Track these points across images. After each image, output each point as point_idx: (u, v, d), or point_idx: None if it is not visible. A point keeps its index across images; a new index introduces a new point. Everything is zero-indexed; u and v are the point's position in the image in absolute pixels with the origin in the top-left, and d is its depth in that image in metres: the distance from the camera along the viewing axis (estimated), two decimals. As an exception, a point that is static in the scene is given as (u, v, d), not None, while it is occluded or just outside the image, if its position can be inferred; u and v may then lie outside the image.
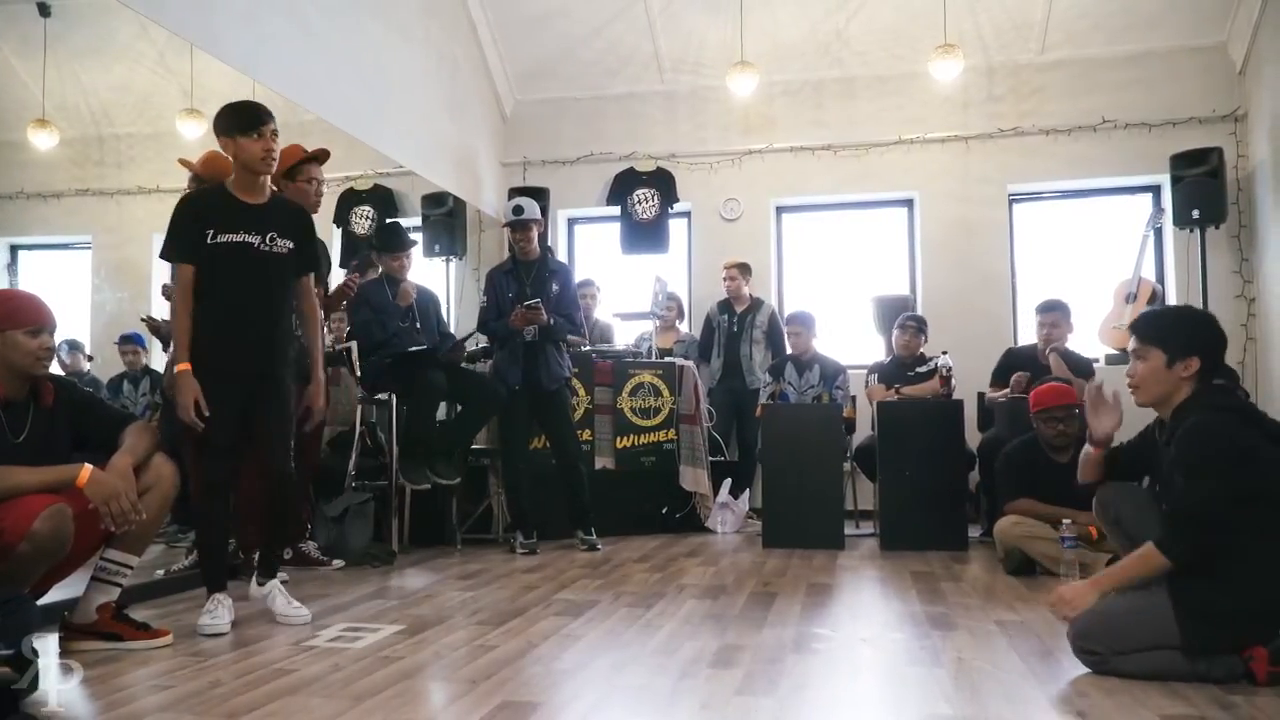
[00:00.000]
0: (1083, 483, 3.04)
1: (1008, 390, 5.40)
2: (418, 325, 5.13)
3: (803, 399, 5.95)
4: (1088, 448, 2.97)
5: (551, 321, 5.09)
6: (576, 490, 5.23)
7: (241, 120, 3.18)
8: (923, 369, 5.83)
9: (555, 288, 5.24)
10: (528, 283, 5.19)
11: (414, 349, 4.96)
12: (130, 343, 5.27)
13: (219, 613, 3.10)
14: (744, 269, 6.86)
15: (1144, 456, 2.84)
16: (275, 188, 3.80)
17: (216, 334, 3.15)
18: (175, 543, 4.75)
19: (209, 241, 3.13)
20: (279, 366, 3.27)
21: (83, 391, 3.07)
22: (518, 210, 5.20)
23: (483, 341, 5.69)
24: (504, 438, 5.30)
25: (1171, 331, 2.61)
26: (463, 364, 5.66)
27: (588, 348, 6.10)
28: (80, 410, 2.91)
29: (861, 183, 7.44)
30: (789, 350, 6.29)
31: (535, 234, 5.24)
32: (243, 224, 3.16)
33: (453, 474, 5.01)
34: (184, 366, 3.08)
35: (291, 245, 3.26)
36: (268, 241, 3.20)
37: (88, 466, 2.68)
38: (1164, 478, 2.63)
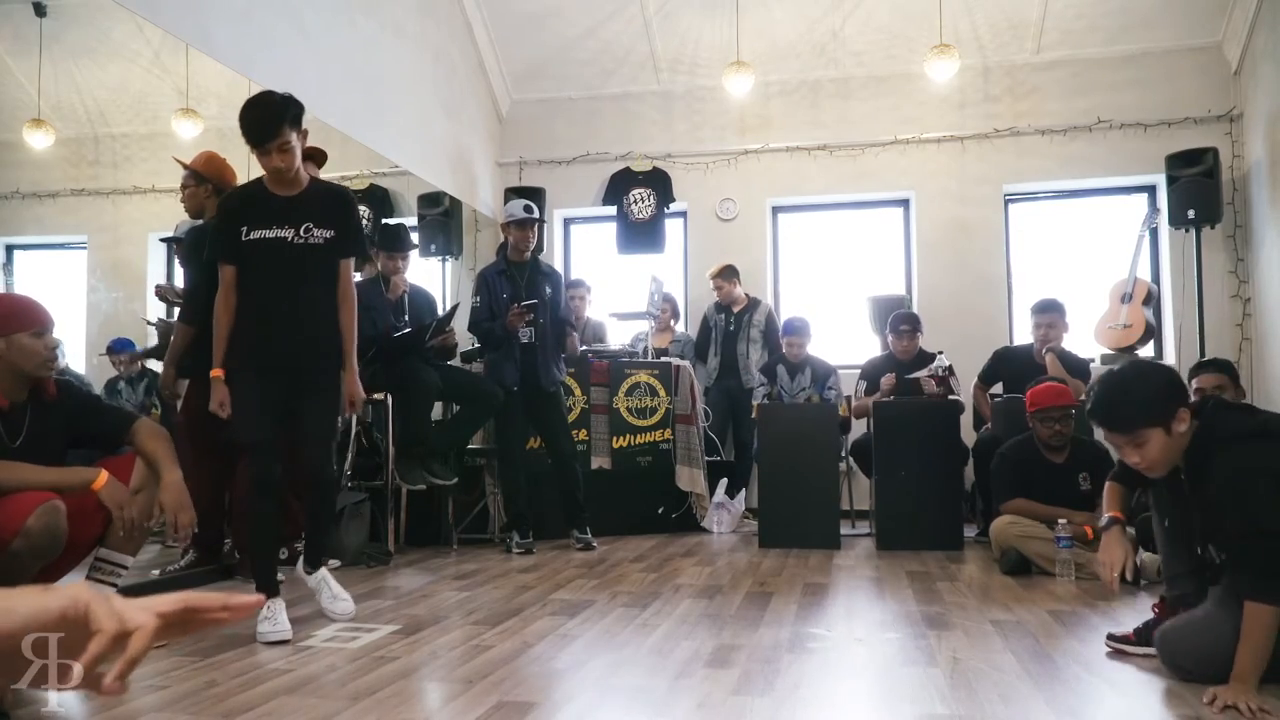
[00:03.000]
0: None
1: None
2: (405, 318, 5.11)
3: (793, 401, 5.94)
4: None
5: (543, 321, 5.12)
6: (571, 490, 5.24)
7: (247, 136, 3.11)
8: (922, 372, 5.71)
9: (549, 290, 5.24)
10: (522, 283, 5.19)
11: (396, 334, 4.93)
12: (116, 351, 5.25)
13: (279, 619, 3.00)
14: (727, 273, 6.83)
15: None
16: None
17: (252, 333, 3.13)
18: (171, 543, 4.75)
19: (244, 238, 3.11)
20: (320, 363, 3.22)
21: (82, 392, 3.07)
22: (529, 208, 5.23)
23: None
24: (501, 438, 5.29)
25: (1152, 408, 2.43)
26: (460, 364, 5.66)
27: (584, 348, 6.09)
28: (80, 411, 2.90)
29: (857, 183, 7.45)
30: (784, 352, 6.27)
31: (536, 235, 5.26)
32: (276, 218, 3.12)
33: (449, 474, 5.01)
34: (216, 373, 3.10)
35: (331, 234, 3.19)
36: (302, 234, 3.14)
37: (105, 472, 2.68)
38: (1204, 518, 2.46)
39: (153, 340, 5.14)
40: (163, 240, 4.92)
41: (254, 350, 3.13)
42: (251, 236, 3.11)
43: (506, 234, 5.29)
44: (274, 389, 3.13)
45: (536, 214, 5.24)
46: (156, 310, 5.00)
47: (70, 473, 2.66)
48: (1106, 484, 2.88)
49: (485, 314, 5.16)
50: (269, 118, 3.04)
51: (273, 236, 3.12)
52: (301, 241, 3.14)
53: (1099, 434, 2.72)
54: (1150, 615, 2.73)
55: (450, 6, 7.20)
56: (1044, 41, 7.09)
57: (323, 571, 3.32)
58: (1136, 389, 2.48)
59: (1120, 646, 2.73)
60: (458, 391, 5.23)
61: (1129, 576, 2.73)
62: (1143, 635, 2.69)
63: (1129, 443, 2.47)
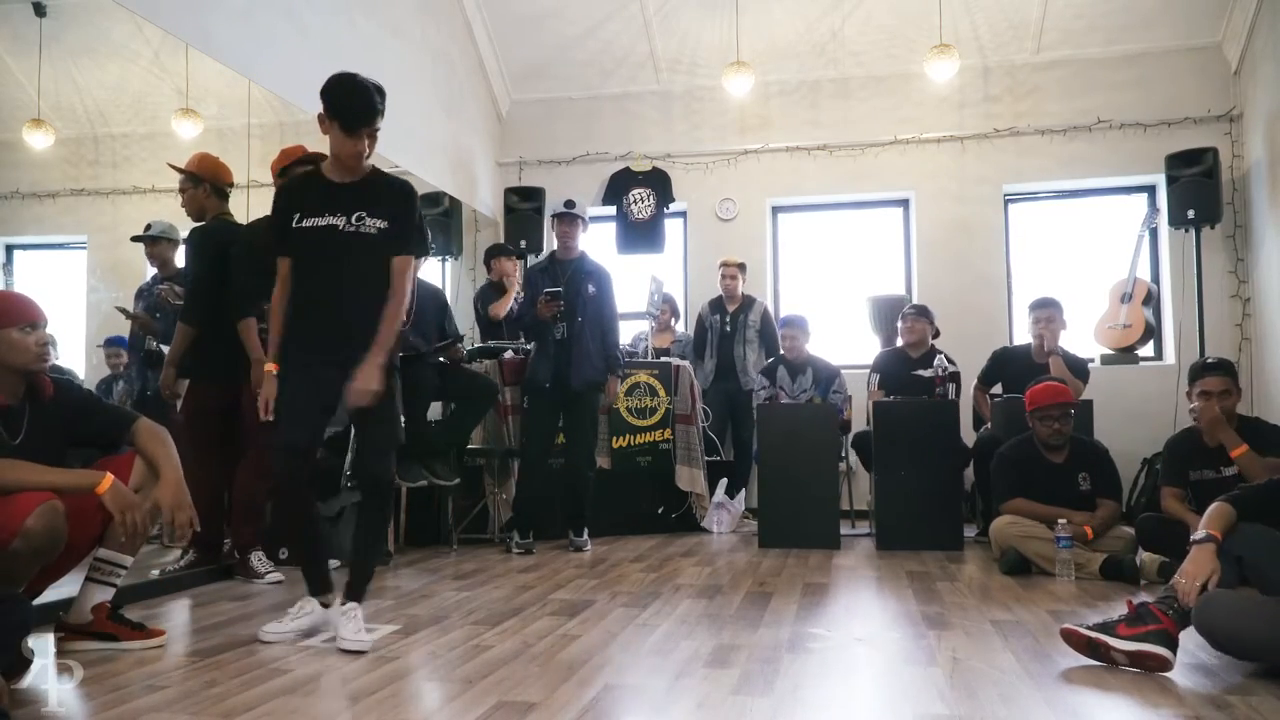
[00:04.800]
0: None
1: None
2: (408, 324, 5.10)
3: (795, 402, 5.92)
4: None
5: (581, 319, 5.13)
6: (575, 494, 5.23)
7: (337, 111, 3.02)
8: (926, 371, 5.62)
9: (591, 289, 5.22)
10: (562, 280, 5.20)
11: (400, 355, 4.90)
12: (113, 346, 5.26)
13: (302, 617, 2.99)
14: (743, 268, 6.86)
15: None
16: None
17: (300, 324, 3.02)
18: (168, 543, 4.74)
19: (294, 226, 3.03)
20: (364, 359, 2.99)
21: (82, 391, 3.05)
22: (568, 204, 5.27)
23: (477, 341, 5.66)
24: (527, 434, 5.31)
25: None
26: (460, 363, 5.66)
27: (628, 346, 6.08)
28: (80, 410, 2.88)
29: (857, 183, 7.45)
30: (782, 352, 6.26)
31: (579, 232, 5.29)
32: (329, 205, 3.02)
33: (450, 474, 5.01)
34: (271, 367, 3.02)
35: (384, 224, 3.04)
36: (353, 222, 3.01)
37: (110, 476, 2.67)
38: None
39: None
40: (134, 239, 4.88)
41: (300, 344, 3.01)
42: (302, 224, 3.02)
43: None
44: (321, 385, 2.98)
45: (576, 209, 5.27)
46: (127, 301, 5.00)
47: (74, 475, 2.64)
48: (1216, 504, 2.79)
49: (526, 308, 5.30)
50: (373, 105, 2.98)
51: (323, 224, 3.01)
52: (352, 230, 3.01)
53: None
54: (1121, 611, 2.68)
55: (450, 6, 7.20)
56: (1044, 41, 7.09)
57: (354, 604, 2.97)
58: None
59: (1074, 627, 2.68)
60: (455, 390, 5.24)
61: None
62: (1102, 629, 2.62)
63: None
